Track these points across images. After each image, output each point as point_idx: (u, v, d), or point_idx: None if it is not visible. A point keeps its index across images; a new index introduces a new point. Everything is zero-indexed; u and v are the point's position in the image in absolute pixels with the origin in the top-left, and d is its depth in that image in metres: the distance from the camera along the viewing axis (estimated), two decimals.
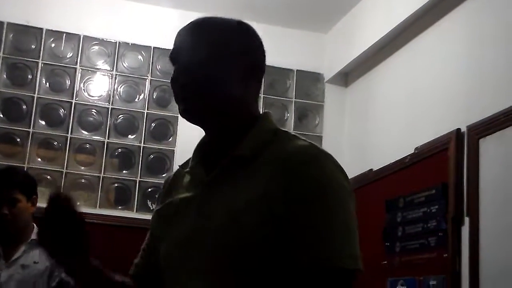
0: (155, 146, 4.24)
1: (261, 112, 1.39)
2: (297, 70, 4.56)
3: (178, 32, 1.39)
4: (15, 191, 2.89)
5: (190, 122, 1.35)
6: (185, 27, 1.39)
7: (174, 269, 1.30)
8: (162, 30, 4.40)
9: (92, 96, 4.22)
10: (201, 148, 1.40)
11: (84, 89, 4.22)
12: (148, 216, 4.39)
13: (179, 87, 1.31)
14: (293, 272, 1.17)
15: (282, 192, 1.19)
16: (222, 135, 1.34)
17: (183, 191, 1.39)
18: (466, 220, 2.95)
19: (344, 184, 1.26)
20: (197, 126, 1.38)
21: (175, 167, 4.19)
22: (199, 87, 1.29)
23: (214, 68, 1.30)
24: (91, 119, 4.20)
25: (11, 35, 4.17)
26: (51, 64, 4.19)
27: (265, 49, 1.43)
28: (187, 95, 1.30)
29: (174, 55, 1.36)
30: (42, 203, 3.34)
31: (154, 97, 4.31)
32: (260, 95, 1.44)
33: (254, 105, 1.37)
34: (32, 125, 4.07)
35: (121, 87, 4.28)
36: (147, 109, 4.27)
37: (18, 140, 4.05)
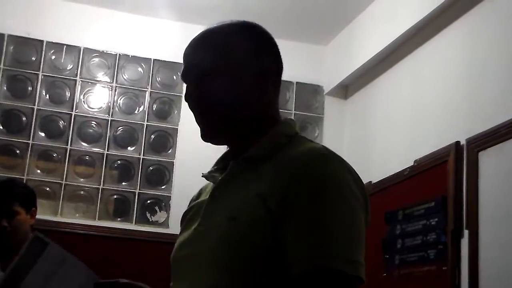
0: (155, 158, 4.24)
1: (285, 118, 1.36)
2: (296, 82, 4.57)
3: (184, 51, 1.36)
4: (14, 204, 2.88)
5: (214, 144, 1.34)
6: (189, 43, 1.35)
7: (179, 267, 1.31)
8: (162, 42, 4.41)
9: (92, 108, 4.23)
10: (224, 155, 1.39)
11: (84, 101, 4.22)
12: (147, 228, 4.41)
13: (197, 114, 1.30)
14: (290, 271, 1.12)
15: (284, 189, 1.15)
16: (242, 142, 1.31)
17: (203, 196, 1.38)
18: (466, 233, 2.94)
19: (352, 188, 1.19)
20: (197, 140, 1.37)
21: (175, 179, 4.22)
22: (215, 111, 1.27)
23: (224, 86, 1.27)
24: (91, 131, 4.20)
25: (12, 47, 4.18)
26: (51, 76, 4.20)
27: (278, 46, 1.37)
28: (206, 119, 1.29)
29: (184, 74, 1.35)
30: (41, 215, 3.34)
31: (154, 109, 4.31)
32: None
33: (273, 110, 1.34)
34: (31, 136, 4.07)
35: (121, 99, 4.29)
36: (147, 121, 4.28)
37: (18, 151, 4.05)
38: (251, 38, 1.33)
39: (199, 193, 1.44)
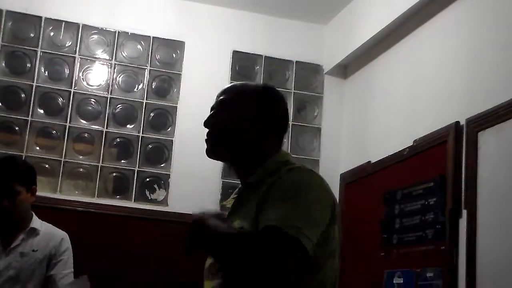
0: (154, 136, 4.24)
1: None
2: (296, 62, 4.56)
3: (219, 92, 1.77)
4: (15, 183, 2.89)
5: (214, 159, 1.79)
6: (224, 87, 1.78)
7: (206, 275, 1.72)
8: (162, 20, 4.40)
9: (91, 86, 4.22)
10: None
11: (83, 78, 4.21)
12: (146, 206, 4.42)
13: (207, 133, 1.73)
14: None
15: (263, 197, 1.55)
16: (242, 171, 1.74)
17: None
18: (464, 212, 2.95)
19: (319, 193, 1.56)
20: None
21: (174, 157, 4.22)
22: (218, 132, 1.70)
23: (235, 124, 1.69)
24: (90, 108, 4.19)
25: (10, 23, 4.16)
26: (50, 52, 4.18)
27: (287, 108, 1.80)
28: (212, 139, 1.72)
29: (212, 107, 1.75)
30: (40, 192, 3.35)
31: (153, 87, 4.30)
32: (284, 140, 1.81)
33: (271, 149, 1.72)
34: (30, 113, 4.06)
35: (120, 76, 4.27)
36: (146, 99, 4.27)
37: (17, 128, 4.04)
38: (267, 97, 1.75)
39: None
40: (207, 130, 1.74)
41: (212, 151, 1.73)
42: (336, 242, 1.63)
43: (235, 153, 1.71)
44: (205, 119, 1.73)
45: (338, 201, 4.35)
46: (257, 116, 1.70)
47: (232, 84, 1.80)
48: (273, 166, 1.66)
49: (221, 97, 1.74)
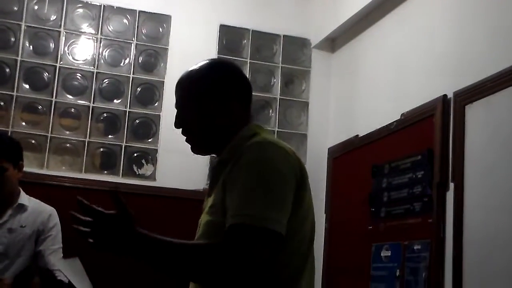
0: (141, 111, 4.22)
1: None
2: (284, 36, 4.53)
3: (175, 88, 1.79)
4: (1, 160, 2.88)
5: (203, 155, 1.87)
6: (176, 84, 1.79)
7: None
8: None
9: (77, 60, 4.17)
10: None
11: (68, 53, 4.16)
12: (134, 181, 4.40)
13: (182, 133, 1.76)
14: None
15: (227, 177, 1.58)
16: (218, 151, 1.75)
17: None
18: (451, 185, 2.97)
19: (277, 166, 1.55)
20: None
21: (161, 132, 4.21)
22: (189, 131, 1.74)
23: (192, 116, 1.71)
24: (76, 83, 4.15)
25: None
26: (34, 26, 4.13)
27: (241, 76, 1.79)
28: (189, 139, 1.75)
29: (175, 104, 1.78)
30: (27, 168, 3.32)
31: (140, 61, 4.27)
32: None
33: (240, 122, 1.72)
34: (16, 88, 4.02)
35: (106, 51, 4.23)
36: (133, 74, 4.23)
37: (2, 104, 4.00)
38: (214, 74, 1.75)
39: None
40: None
41: (195, 150, 1.77)
42: (306, 206, 1.63)
43: (212, 142, 1.74)
44: (174, 121, 1.76)
45: (326, 174, 4.36)
46: (213, 98, 1.71)
47: (182, 76, 1.78)
48: (240, 140, 1.67)
49: (176, 95, 1.77)
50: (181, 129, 1.76)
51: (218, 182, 1.64)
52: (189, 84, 1.74)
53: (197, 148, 1.76)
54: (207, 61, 1.82)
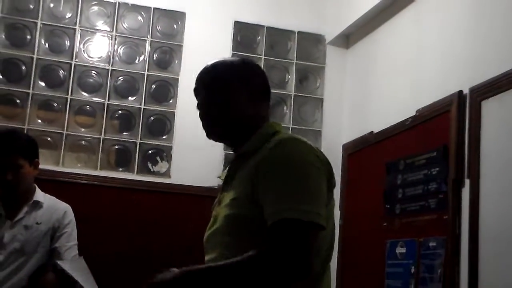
0: (156, 108, 4.23)
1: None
2: (298, 32, 4.52)
3: (197, 76, 1.80)
4: (17, 157, 2.90)
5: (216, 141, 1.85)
6: (201, 71, 1.80)
7: (206, 244, 1.72)
8: None
9: (92, 58, 4.19)
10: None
11: (83, 50, 4.18)
12: (149, 178, 4.42)
13: (202, 122, 1.76)
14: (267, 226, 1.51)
15: (255, 171, 1.58)
16: (237, 144, 1.77)
17: None
18: (467, 182, 2.95)
19: (310, 160, 1.57)
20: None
21: (176, 129, 4.22)
22: (214, 118, 1.74)
23: (223, 102, 1.73)
24: (91, 80, 4.17)
25: None
26: (50, 24, 4.15)
27: (265, 75, 1.84)
28: (208, 124, 1.75)
29: (195, 92, 1.80)
30: (43, 165, 3.34)
31: (155, 58, 4.28)
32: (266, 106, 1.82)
33: (260, 118, 1.76)
34: (31, 86, 4.05)
35: (121, 48, 4.25)
36: (147, 71, 4.25)
37: (18, 101, 4.03)
38: (247, 68, 1.81)
39: None
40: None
41: (211, 135, 1.78)
42: (330, 206, 1.66)
43: (230, 132, 1.75)
44: (197, 105, 1.77)
45: (340, 171, 4.35)
46: (239, 91, 1.74)
47: (207, 66, 1.80)
48: (262, 136, 1.70)
49: (201, 83, 1.77)
50: (200, 117, 1.77)
51: (240, 176, 1.66)
52: (225, 71, 1.77)
53: (215, 134, 1.78)
54: (236, 57, 1.91)
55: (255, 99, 1.76)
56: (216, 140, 1.83)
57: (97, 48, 4.21)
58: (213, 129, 1.76)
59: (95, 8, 4.24)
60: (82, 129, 4.11)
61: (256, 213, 1.54)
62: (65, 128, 4.06)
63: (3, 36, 4.07)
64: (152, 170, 4.16)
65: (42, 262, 2.95)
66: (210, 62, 1.81)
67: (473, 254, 2.81)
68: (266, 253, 1.46)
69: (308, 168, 1.56)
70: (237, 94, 1.74)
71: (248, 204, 1.56)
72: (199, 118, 1.78)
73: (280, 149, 1.59)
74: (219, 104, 1.73)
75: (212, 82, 1.76)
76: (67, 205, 3.12)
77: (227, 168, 1.81)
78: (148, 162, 4.17)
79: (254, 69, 1.84)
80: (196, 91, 1.80)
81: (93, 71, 4.17)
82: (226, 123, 1.73)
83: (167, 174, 4.16)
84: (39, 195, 3.05)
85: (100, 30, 4.23)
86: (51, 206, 3.06)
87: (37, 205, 3.02)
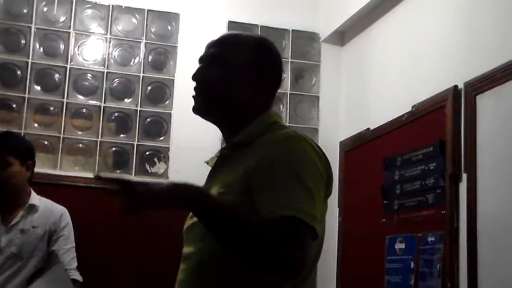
0: (152, 109, 4.23)
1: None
2: (292, 30, 4.53)
3: (208, 43, 1.69)
4: (7, 155, 2.91)
5: (201, 117, 1.66)
6: (213, 39, 1.69)
7: (186, 235, 1.64)
8: None
9: (87, 60, 4.19)
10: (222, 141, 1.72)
11: (78, 54, 4.18)
12: (147, 179, 4.41)
13: (195, 88, 1.63)
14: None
15: (256, 163, 1.46)
16: (229, 129, 1.64)
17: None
18: (464, 176, 2.96)
19: (313, 159, 1.49)
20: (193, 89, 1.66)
21: (173, 130, 4.22)
22: (207, 88, 1.61)
23: (219, 76, 1.60)
24: (87, 83, 4.17)
25: None
26: (44, 28, 4.15)
27: (281, 64, 1.71)
28: (197, 93, 1.63)
29: (200, 59, 1.67)
30: (40, 169, 3.34)
31: (150, 60, 4.28)
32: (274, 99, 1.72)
33: (260, 108, 1.64)
34: (27, 90, 4.04)
35: (116, 50, 4.25)
36: (143, 73, 4.25)
37: (14, 106, 4.03)
38: (259, 52, 1.66)
39: None
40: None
41: (199, 110, 1.63)
42: (325, 207, 1.58)
43: (224, 112, 1.62)
44: (194, 72, 1.64)
45: (338, 168, 4.35)
46: (249, 71, 1.62)
47: (224, 34, 1.70)
48: (260, 126, 1.60)
49: (211, 50, 1.65)
50: (195, 82, 1.64)
51: (233, 167, 1.54)
52: (235, 47, 1.65)
53: (201, 108, 1.63)
54: (256, 35, 1.77)
55: (263, 88, 1.64)
56: (203, 117, 1.66)
57: (92, 51, 4.21)
58: (205, 106, 1.62)
59: (89, 11, 4.24)
60: (79, 132, 4.11)
61: (245, 206, 1.43)
62: (62, 131, 4.06)
63: None
64: (150, 171, 4.16)
65: (40, 266, 2.95)
66: (229, 32, 1.74)
67: (472, 248, 2.82)
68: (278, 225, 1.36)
69: (311, 168, 1.48)
70: (246, 76, 1.61)
71: (238, 196, 1.46)
72: (193, 89, 1.65)
73: (285, 143, 1.50)
74: (218, 75, 1.60)
75: (219, 51, 1.64)
76: (63, 207, 3.13)
77: (217, 154, 1.69)
78: (146, 164, 4.17)
79: (273, 56, 1.70)
80: (203, 57, 1.67)
81: (88, 74, 4.17)
82: (218, 97, 1.60)
83: (165, 175, 4.16)
84: (35, 198, 3.06)
85: (95, 33, 4.23)
86: (47, 209, 3.06)
87: (33, 208, 3.02)
